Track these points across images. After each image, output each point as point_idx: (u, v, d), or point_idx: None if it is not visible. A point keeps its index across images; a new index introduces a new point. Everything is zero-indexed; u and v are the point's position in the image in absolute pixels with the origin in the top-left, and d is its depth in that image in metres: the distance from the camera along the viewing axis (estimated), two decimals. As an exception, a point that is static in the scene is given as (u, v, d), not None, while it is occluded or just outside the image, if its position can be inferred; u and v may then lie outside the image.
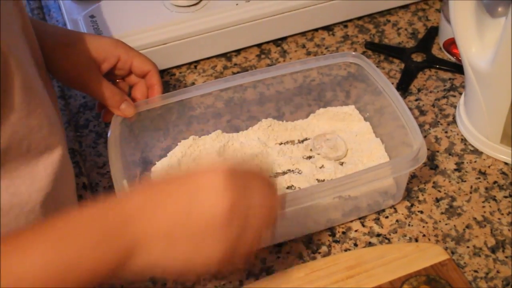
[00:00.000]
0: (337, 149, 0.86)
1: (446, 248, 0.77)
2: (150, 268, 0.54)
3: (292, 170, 0.85)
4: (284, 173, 0.85)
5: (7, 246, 0.49)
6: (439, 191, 0.84)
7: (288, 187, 0.83)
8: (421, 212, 0.81)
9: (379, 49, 1.04)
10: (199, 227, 0.54)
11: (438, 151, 0.88)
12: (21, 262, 0.49)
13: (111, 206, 0.55)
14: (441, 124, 0.92)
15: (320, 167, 0.85)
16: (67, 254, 0.51)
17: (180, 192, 0.55)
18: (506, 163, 0.86)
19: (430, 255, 0.75)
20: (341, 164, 0.86)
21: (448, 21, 0.93)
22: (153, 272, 0.59)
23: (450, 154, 0.88)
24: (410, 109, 0.91)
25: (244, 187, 0.56)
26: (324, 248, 0.78)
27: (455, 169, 0.86)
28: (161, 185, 0.57)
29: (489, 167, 0.86)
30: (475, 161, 0.87)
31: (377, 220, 0.81)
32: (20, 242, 0.50)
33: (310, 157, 0.87)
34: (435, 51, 1.03)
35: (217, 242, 0.55)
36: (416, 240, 0.78)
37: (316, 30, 1.08)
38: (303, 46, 1.06)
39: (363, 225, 0.80)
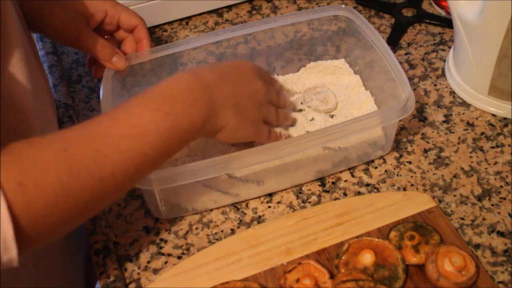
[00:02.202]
0: (327, 102, 0.87)
1: (433, 197, 0.78)
2: (219, 129, 0.71)
3: (283, 123, 0.86)
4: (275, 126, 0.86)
5: (138, 106, 0.64)
6: (428, 142, 0.85)
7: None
8: (410, 162, 0.83)
9: (369, 4, 1.05)
10: (249, 102, 0.74)
11: (427, 104, 0.90)
12: (146, 119, 0.62)
13: (189, 82, 0.69)
14: (430, 77, 0.93)
15: (311, 120, 0.86)
16: (174, 118, 0.64)
17: (234, 72, 0.75)
18: (493, 115, 0.88)
19: (418, 203, 0.76)
20: (331, 116, 0.87)
21: (438, -26, 0.94)
22: (219, 135, 0.72)
23: (438, 106, 0.89)
24: (400, 63, 0.92)
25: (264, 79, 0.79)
26: (314, 198, 0.80)
27: (444, 121, 0.87)
28: (219, 67, 0.75)
29: (477, 118, 0.87)
30: (463, 113, 0.88)
31: (366, 171, 0.82)
32: (139, 108, 0.63)
33: (300, 110, 0.88)
34: (425, 6, 1.04)
35: (259, 119, 0.76)
36: (404, 189, 0.80)
37: (307, -15, 1.08)
38: (294, 2, 1.06)
39: (353, 176, 0.82)
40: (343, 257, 0.70)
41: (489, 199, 0.78)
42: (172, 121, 0.64)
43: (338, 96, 0.89)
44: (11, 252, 0.51)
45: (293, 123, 0.85)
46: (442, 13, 1.01)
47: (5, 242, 0.51)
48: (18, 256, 0.52)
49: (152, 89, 0.66)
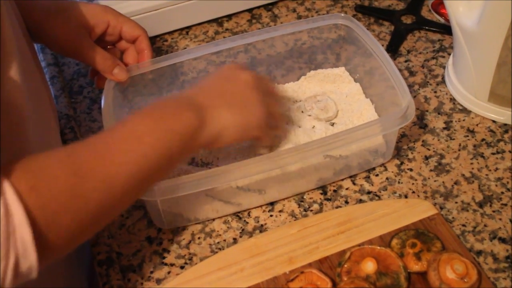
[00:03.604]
0: (328, 110, 0.88)
1: (435, 204, 0.79)
2: (220, 132, 0.71)
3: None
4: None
5: (131, 117, 0.67)
6: (428, 149, 0.85)
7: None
8: (411, 169, 0.83)
9: (369, 12, 1.05)
10: (241, 93, 0.74)
11: (427, 111, 0.90)
12: (139, 125, 0.65)
13: (173, 96, 0.75)
14: (430, 84, 0.93)
15: (312, 128, 0.87)
16: (165, 121, 0.66)
17: (216, 79, 0.76)
18: (493, 121, 0.88)
19: (419, 210, 0.77)
20: (332, 124, 0.87)
21: (437, -18, 0.94)
22: (220, 140, 0.72)
23: (439, 113, 0.89)
24: (400, 70, 0.92)
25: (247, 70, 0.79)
26: (316, 206, 0.80)
27: (444, 128, 0.88)
28: (199, 83, 0.75)
29: (477, 125, 0.88)
30: (463, 120, 0.88)
31: (367, 178, 0.83)
32: (132, 119, 0.67)
33: (300, 127, 0.88)
34: (424, 13, 1.04)
35: (256, 103, 0.74)
36: (406, 197, 0.80)
37: (307, -6, 1.09)
38: (294, 10, 1.06)
39: (354, 183, 0.82)
40: (345, 266, 0.71)
41: (490, 206, 0.79)
42: (165, 123, 0.66)
43: (338, 104, 0.89)
44: (31, 257, 0.53)
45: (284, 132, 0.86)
46: (441, 20, 1.02)
47: (25, 246, 0.52)
48: (38, 265, 0.53)
49: (142, 108, 0.70)
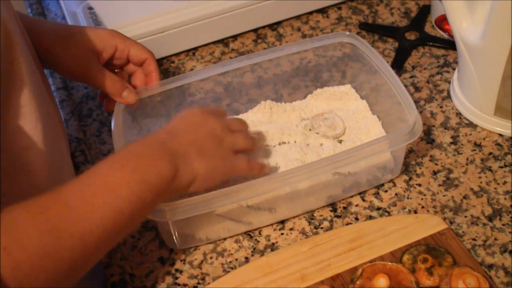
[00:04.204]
0: (335, 127, 0.88)
1: (444, 219, 0.79)
2: (193, 179, 0.70)
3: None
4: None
5: (104, 167, 0.65)
6: (436, 164, 0.86)
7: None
8: (419, 185, 0.84)
9: (373, 29, 1.06)
10: (210, 141, 0.73)
11: (434, 126, 0.91)
12: (114, 176, 0.64)
13: (146, 139, 0.72)
14: (436, 100, 0.94)
15: (320, 146, 0.87)
16: (140, 172, 0.65)
17: (183, 124, 0.75)
18: (500, 135, 0.88)
19: (429, 225, 0.77)
20: (340, 142, 0.88)
21: (439, -2, 0.96)
22: (191, 187, 0.71)
23: (445, 128, 0.90)
24: (405, 86, 0.93)
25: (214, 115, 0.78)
26: (326, 223, 0.81)
27: (451, 142, 0.88)
28: (167, 128, 0.75)
29: (484, 139, 0.88)
30: (470, 134, 0.89)
31: (376, 195, 0.83)
32: (105, 169, 0.65)
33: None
34: (428, 29, 1.05)
35: (226, 155, 0.74)
36: (415, 212, 0.80)
37: (311, 13, 1.10)
38: (299, 29, 1.08)
39: (363, 200, 0.83)
40: (358, 282, 0.71)
41: (500, 219, 0.79)
42: (140, 175, 0.65)
43: (345, 122, 0.90)
44: None
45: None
46: (445, 36, 1.03)
47: None
48: None
49: (115, 153, 0.70)
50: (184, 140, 0.72)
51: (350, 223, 0.80)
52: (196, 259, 0.78)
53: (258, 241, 0.79)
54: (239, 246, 0.79)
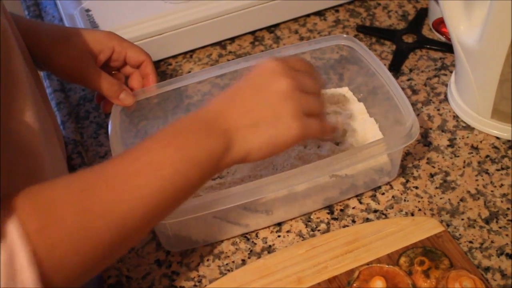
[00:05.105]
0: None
1: (441, 221, 0.79)
2: (246, 154, 0.66)
3: (290, 152, 0.88)
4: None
5: (152, 143, 0.63)
6: (433, 166, 0.86)
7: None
8: (416, 187, 0.84)
9: (370, 32, 1.06)
10: (273, 106, 0.67)
11: (431, 129, 0.91)
12: (159, 154, 0.62)
13: (197, 114, 0.67)
14: (433, 102, 0.94)
15: (317, 148, 0.87)
16: (188, 150, 0.63)
17: (247, 87, 0.69)
18: (497, 138, 0.88)
19: (426, 228, 0.77)
20: (337, 144, 0.88)
21: (437, 1, 0.96)
22: (249, 158, 0.67)
23: (442, 131, 0.90)
24: (403, 88, 0.93)
25: (294, 69, 0.70)
26: (323, 226, 0.80)
27: (448, 145, 0.88)
28: (230, 90, 0.69)
29: (481, 142, 0.88)
30: (467, 137, 0.89)
31: (373, 197, 0.83)
32: (153, 145, 0.62)
33: (306, 139, 0.89)
34: (425, 31, 1.06)
35: (289, 117, 0.67)
36: (412, 215, 0.80)
37: (308, 15, 1.10)
38: (296, 32, 1.08)
39: (360, 202, 0.83)
40: (354, 285, 0.71)
41: (497, 222, 0.79)
42: (186, 153, 0.62)
43: (343, 124, 0.90)
44: None
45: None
46: (442, 38, 1.03)
47: None
48: None
49: (163, 128, 0.65)
50: (238, 109, 0.66)
51: (347, 226, 0.80)
52: (193, 261, 0.78)
53: (255, 243, 0.79)
54: (236, 248, 0.79)
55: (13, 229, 0.51)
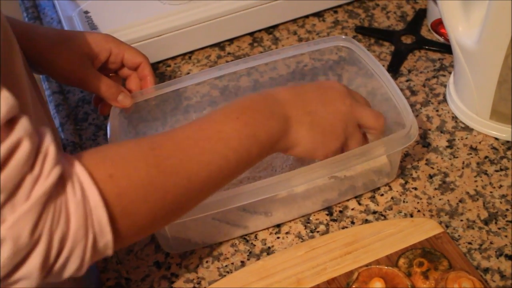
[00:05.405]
0: (331, 131, 0.88)
1: (440, 222, 0.79)
2: (292, 146, 0.72)
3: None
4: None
5: (220, 116, 0.68)
6: (432, 167, 0.86)
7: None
8: (415, 188, 0.84)
9: (369, 33, 1.06)
10: (330, 119, 0.74)
11: (430, 129, 0.91)
12: (228, 126, 0.66)
13: (262, 95, 0.73)
14: (432, 103, 0.94)
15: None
16: (253, 127, 0.67)
17: (314, 92, 0.75)
18: (496, 138, 0.89)
19: (425, 229, 0.77)
20: (336, 145, 0.88)
21: (435, 2, 0.96)
22: (291, 151, 0.73)
23: (441, 132, 0.90)
24: (401, 89, 0.93)
25: (356, 99, 0.77)
26: (322, 227, 0.80)
27: (447, 146, 0.88)
28: (298, 88, 0.76)
29: (480, 142, 0.88)
30: (466, 138, 0.89)
31: (372, 198, 0.83)
32: (221, 118, 0.68)
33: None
34: (424, 32, 1.06)
35: (336, 136, 0.74)
36: (411, 216, 0.80)
37: (307, 16, 1.10)
38: (295, 33, 1.08)
39: (359, 204, 0.83)
40: (354, 286, 0.71)
41: (496, 223, 0.79)
42: (252, 130, 0.67)
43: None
44: (107, 236, 0.54)
45: None
46: (441, 39, 1.03)
47: (101, 226, 0.54)
48: (113, 243, 0.55)
49: (231, 102, 0.70)
50: (303, 108, 0.73)
51: (346, 227, 0.80)
52: (192, 263, 0.78)
53: (254, 245, 0.79)
54: (235, 250, 0.79)
55: (83, 175, 0.54)
